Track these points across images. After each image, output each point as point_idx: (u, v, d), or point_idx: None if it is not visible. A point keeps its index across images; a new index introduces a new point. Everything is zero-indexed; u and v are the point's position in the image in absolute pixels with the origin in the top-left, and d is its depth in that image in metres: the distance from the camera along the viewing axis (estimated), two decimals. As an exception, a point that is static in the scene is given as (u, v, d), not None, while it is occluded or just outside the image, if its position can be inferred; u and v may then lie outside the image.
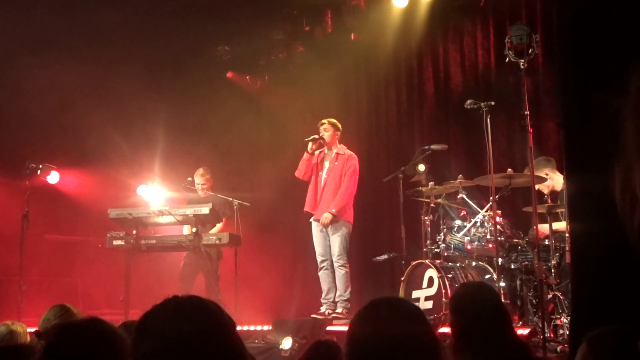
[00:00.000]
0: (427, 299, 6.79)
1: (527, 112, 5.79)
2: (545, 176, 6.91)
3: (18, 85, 9.14)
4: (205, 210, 7.82)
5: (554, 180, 7.11)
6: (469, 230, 6.84)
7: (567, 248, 6.19)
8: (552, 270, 6.30)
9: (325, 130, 8.13)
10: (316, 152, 8.21)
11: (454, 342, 3.05)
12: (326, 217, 7.87)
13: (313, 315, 7.88)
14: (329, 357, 3.24)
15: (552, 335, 5.87)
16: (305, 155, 8.20)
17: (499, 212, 6.66)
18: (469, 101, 6.73)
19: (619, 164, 1.18)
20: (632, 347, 2.06)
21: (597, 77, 4.14)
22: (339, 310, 7.85)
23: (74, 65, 9.33)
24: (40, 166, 8.77)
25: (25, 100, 9.31)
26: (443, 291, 6.53)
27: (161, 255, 8.76)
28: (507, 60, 6.06)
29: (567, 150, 4.59)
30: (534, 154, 6.04)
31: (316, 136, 8.11)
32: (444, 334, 6.22)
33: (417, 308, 2.18)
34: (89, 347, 2.09)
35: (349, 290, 7.94)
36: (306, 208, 8.19)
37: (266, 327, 7.82)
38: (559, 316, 6.07)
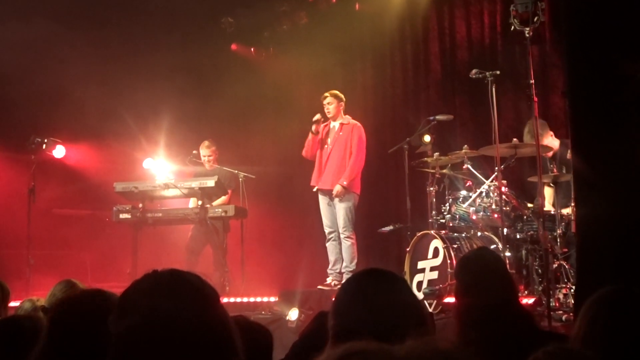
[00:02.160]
0: (432, 269, 6.82)
1: (532, 82, 5.75)
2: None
3: (22, 60, 9.11)
4: (210, 183, 7.85)
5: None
6: (474, 200, 6.84)
7: (572, 217, 6.19)
8: (558, 240, 6.31)
9: (329, 103, 8.11)
10: (321, 126, 8.21)
11: (457, 309, 3.04)
12: (337, 189, 7.88)
13: (319, 287, 7.92)
14: None
15: (557, 305, 5.89)
16: (310, 135, 8.18)
17: (504, 182, 6.65)
18: (474, 71, 6.70)
19: None
20: (634, 307, 2.07)
21: (605, 46, 4.10)
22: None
23: (78, 39, 9.31)
24: (46, 140, 8.78)
25: (30, 75, 9.28)
26: (448, 261, 6.55)
27: (169, 228, 8.80)
28: (512, 28, 6.00)
29: (572, 120, 4.57)
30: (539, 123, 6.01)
31: (318, 117, 8.09)
32: (449, 304, 6.26)
33: (399, 277, 2.19)
34: (91, 319, 2.11)
35: (355, 261, 7.97)
36: (313, 182, 8.18)
37: (273, 299, 7.87)
38: (564, 285, 6.10)
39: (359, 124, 8.17)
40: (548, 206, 6.89)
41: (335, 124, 8.17)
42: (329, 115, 8.16)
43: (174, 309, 1.53)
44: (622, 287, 2.20)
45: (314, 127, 8.13)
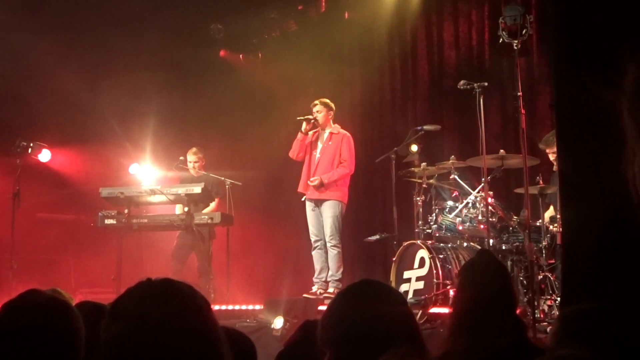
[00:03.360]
0: (418, 279, 6.81)
1: (520, 94, 5.78)
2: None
3: (9, 63, 9.06)
4: (197, 189, 7.81)
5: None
6: (460, 211, 6.85)
7: (558, 229, 6.21)
8: (543, 251, 6.33)
9: (318, 111, 8.10)
10: (310, 132, 8.19)
11: (452, 313, 2.98)
12: (317, 180, 7.87)
13: (305, 295, 7.89)
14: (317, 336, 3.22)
15: (542, 316, 5.91)
16: (299, 135, 8.17)
17: (490, 193, 6.67)
18: (462, 82, 6.73)
19: (624, 155, 1.18)
20: (604, 327, 2.06)
21: (592, 60, 4.12)
22: (330, 290, 7.86)
23: (65, 44, 9.27)
24: (32, 144, 8.73)
25: (16, 78, 9.23)
26: (434, 272, 6.54)
27: (154, 234, 8.75)
28: (500, 41, 6.04)
29: (559, 133, 4.59)
30: (527, 136, 6.04)
31: (310, 117, 8.09)
32: (434, 314, 6.26)
33: (395, 290, 2.19)
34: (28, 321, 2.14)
35: (341, 270, 7.96)
36: (300, 189, 8.18)
37: (258, 307, 7.83)
38: (549, 297, 6.11)
39: (348, 134, 8.17)
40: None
41: (324, 133, 8.17)
42: (316, 124, 8.16)
43: (165, 317, 1.56)
44: (591, 306, 2.18)
45: (304, 126, 8.11)
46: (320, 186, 7.89)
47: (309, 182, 7.96)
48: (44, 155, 9.09)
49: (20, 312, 2.18)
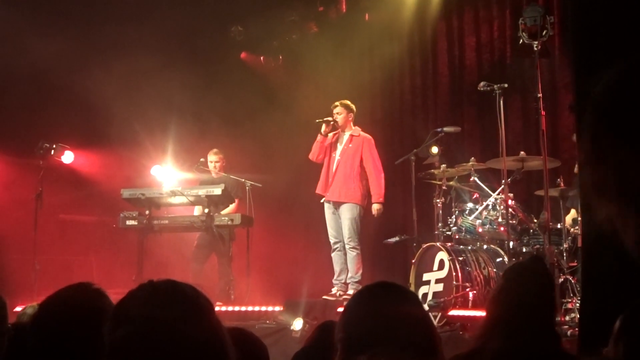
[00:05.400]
0: (437, 281, 6.80)
1: (540, 95, 5.76)
2: None
3: (33, 65, 9.15)
4: (217, 191, 7.85)
5: None
6: (480, 213, 6.83)
7: (579, 232, 6.17)
8: (564, 254, 6.29)
9: (338, 113, 8.10)
10: (330, 134, 8.19)
11: (489, 316, 2.90)
12: (378, 209, 7.93)
13: (324, 297, 7.90)
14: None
15: (562, 319, 5.86)
16: (319, 137, 8.18)
17: (511, 195, 6.64)
18: (482, 83, 6.71)
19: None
20: None
21: (613, 60, 4.09)
22: (350, 291, 7.86)
23: (88, 47, 9.36)
24: (54, 146, 8.83)
25: (39, 80, 9.33)
26: (454, 274, 6.52)
27: (175, 235, 8.80)
28: (520, 42, 6.01)
29: (579, 135, 4.56)
30: (547, 138, 6.01)
31: (329, 118, 8.10)
32: (454, 316, 6.25)
33: (411, 291, 2.18)
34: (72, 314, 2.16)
35: (361, 272, 7.95)
36: (318, 190, 8.19)
37: (277, 308, 7.86)
38: (570, 300, 6.07)
39: (369, 136, 8.15)
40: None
41: (344, 135, 8.17)
42: (336, 126, 8.16)
43: (170, 319, 1.56)
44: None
45: (323, 128, 8.12)
46: (381, 208, 7.93)
47: (376, 215, 7.99)
48: (67, 157, 9.18)
49: (66, 305, 2.22)
